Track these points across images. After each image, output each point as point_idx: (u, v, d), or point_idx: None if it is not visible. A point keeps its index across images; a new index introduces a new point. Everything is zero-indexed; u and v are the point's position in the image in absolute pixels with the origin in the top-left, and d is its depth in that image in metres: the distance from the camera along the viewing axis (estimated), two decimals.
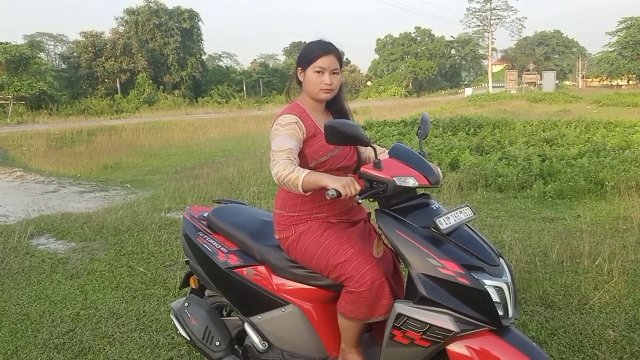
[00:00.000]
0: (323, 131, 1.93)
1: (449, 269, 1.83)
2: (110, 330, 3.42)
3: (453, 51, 76.48)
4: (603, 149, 8.60)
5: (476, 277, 1.81)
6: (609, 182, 6.47)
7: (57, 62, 53.29)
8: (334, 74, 2.18)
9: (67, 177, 10.64)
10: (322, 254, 2.09)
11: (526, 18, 71.22)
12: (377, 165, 1.96)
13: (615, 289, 3.65)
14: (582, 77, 74.05)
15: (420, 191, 2.11)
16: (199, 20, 47.39)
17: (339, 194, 1.85)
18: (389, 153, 2.10)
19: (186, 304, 2.65)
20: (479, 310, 1.81)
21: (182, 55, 45.60)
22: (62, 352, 3.18)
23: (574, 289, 3.72)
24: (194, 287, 2.79)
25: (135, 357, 3.09)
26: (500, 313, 1.81)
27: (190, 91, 46.00)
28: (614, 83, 68.42)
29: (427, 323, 1.84)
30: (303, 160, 2.15)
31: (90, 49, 42.48)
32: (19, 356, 3.16)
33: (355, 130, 1.87)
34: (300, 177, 1.92)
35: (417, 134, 2.41)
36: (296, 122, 2.12)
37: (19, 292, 4.13)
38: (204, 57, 51.30)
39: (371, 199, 2.04)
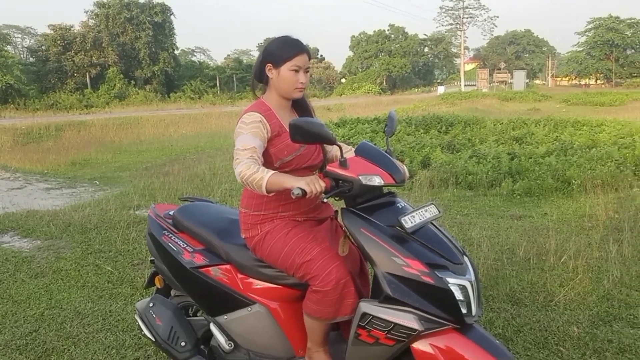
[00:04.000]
0: (288, 130, 1.92)
1: (414, 268, 1.84)
2: (76, 331, 3.35)
3: (426, 49, 77.10)
4: (570, 147, 8.77)
5: (440, 276, 1.83)
6: (575, 180, 6.61)
7: (24, 56, 52.03)
8: (305, 72, 2.18)
9: (34, 173, 10.38)
10: (287, 252, 2.07)
11: (498, 17, 72.62)
12: (343, 163, 1.95)
13: (580, 286, 3.72)
14: (552, 76, 75.52)
15: (386, 190, 2.11)
16: (171, 14, 46.72)
17: (304, 192, 1.84)
18: (355, 151, 2.09)
19: (151, 304, 2.60)
20: (443, 309, 1.82)
21: (154, 49, 44.91)
22: (24, 354, 3.10)
23: (540, 286, 3.78)
24: (159, 286, 2.74)
25: (101, 357, 3.03)
26: (464, 311, 1.83)
27: (162, 86, 45.34)
28: (583, 82, 69.95)
29: (392, 322, 1.84)
30: (268, 160, 2.13)
31: (59, 42, 41.49)
32: None
33: (320, 129, 1.86)
34: (264, 177, 1.90)
35: (384, 132, 2.41)
36: (260, 121, 2.10)
37: None
38: (176, 52, 50.63)
39: (337, 198, 2.04)
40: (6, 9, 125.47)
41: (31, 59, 45.76)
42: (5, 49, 39.65)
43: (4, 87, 32.86)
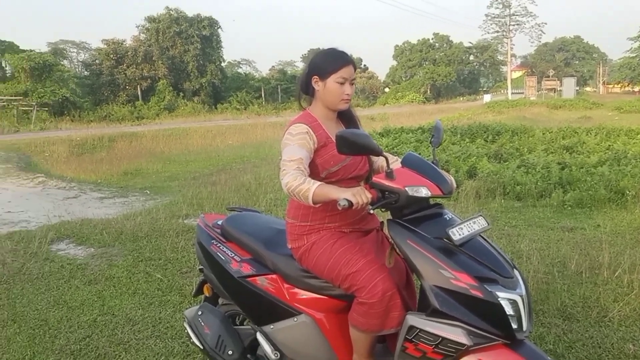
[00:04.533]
0: (334, 141, 1.93)
1: (462, 281, 1.82)
2: (127, 337, 3.45)
3: (471, 57, 76.02)
4: (624, 157, 8.44)
5: (489, 290, 1.79)
6: (629, 191, 6.36)
7: (79, 69, 54.18)
8: (351, 84, 2.20)
9: (88, 183, 10.78)
10: (333, 263, 2.08)
11: (546, 24, 70.49)
12: (389, 175, 1.95)
13: (636, 302, 3.57)
14: (603, 83, 73.10)
15: (433, 201, 2.10)
16: (218, 28, 47.83)
17: (350, 203, 1.84)
18: (401, 162, 2.09)
19: (199, 313, 2.66)
20: (492, 324, 1.79)
21: (201, 62, 46.02)
22: (78, 358, 3.21)
23: (593, 301, 3.65)
24: (207, 295, 2.80)
25: None
26: (514, 326, 1.79)
27: (209, 98, 46.35)
28: (636, 89, 67.29)
29: (440, 336, 1.82)
30: (314, 170, 2.15)
31: (112, 56, 43.10)
32: None
33: (367, 140, 1.87)
34: (311, 189, 1.92)
35: (430, 143, 2.39)
36: (307, 132, 2.12)
37: (38, 297, 4.18)
38: (223, 64, 51.72)
39: (383, 209, 2.03)
40: (62, 25, 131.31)
41: (85, 72, 47.66)
42: (62, 63, 41.51)
43: (60, 100, 34.32)
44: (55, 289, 4.36)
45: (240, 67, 71.20)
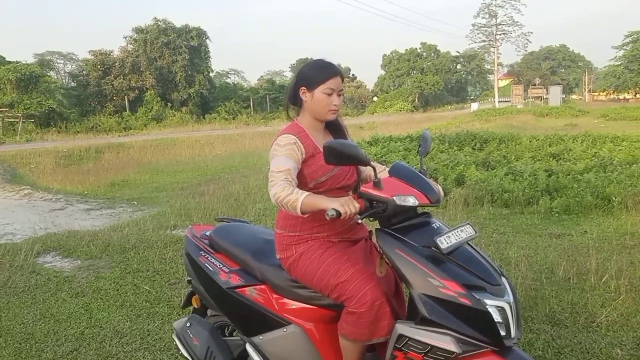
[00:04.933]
0: (322, 151, 1.94)
1: (450, 289, 1.82)
2: (114, 350, 3.42)
3: (459, 66, 76.73)
4: (610, 163, 8.55)
5: (478, 297, 1.80)
6: (615, 198, 6.42)
7: (66, 80, 53.97)
8: (339, 94, 2.21)
9: (75, 194, 10.69)
10: (322, 273, 2.08)
11: (532, 33, 70.98)
12: (377, 184, 1.96)
13: (623, 307, 3.61)
14: (589, 91, 73.96)
15: (421, 210, 2.11)
16: (206, 38, 47.81)
17: (338, 213, 1.85)
18: (389, 172, 2.10)
19: (188, 324, 2.64)
20: (480, 331, 1.80)
21: (189, 72, 45.95)
22: None
23: (581, 307, 3.68)
24: (196, 306, 2.78)
25: None
26: (503, 333, 1.80)
27: (197, 108, 46.26)
28: (621, 97, 68.18)
29: (429, 344, 1.83)
30: (302, 181, 2.15)
31: (99, 67, 42.90)
32: None
33: (354, 151, 1.87)
34: (299, 199, 1.92)
35: (417, 152, 2.41)
36: (295, 143, 2.13)
37: (24, 310, 4.13)
38: (211, 74, 51.68)
39: (372, 219, 2.04)
40: (49, 36, 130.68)
41: (72, 83, 47.43)
42: (48, 74, 41.24)
43: (46, 111, 34.04)
44: (42, 302, 4.31)
45: (229, 77, 71.41)
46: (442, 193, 2.10)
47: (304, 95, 2.21)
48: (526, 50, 68.93)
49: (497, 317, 1.80)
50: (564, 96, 58.24)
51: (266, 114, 48.08)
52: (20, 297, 4.42)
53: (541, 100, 54.50)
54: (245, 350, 2.45)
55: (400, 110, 56.84)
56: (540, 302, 3.78)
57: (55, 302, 4.30)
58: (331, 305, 2.14)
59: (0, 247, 5.87)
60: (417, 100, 64.68)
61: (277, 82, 60.77)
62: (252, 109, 49.31)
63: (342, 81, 2.23)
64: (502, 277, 1.94)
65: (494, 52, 62.97)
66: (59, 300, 4.34)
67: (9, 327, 3.83)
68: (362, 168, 2.38)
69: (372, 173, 2.00)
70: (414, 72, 69.68)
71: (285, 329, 2.26)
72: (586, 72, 74.72)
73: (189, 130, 32.02)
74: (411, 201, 1.94)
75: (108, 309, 4.11)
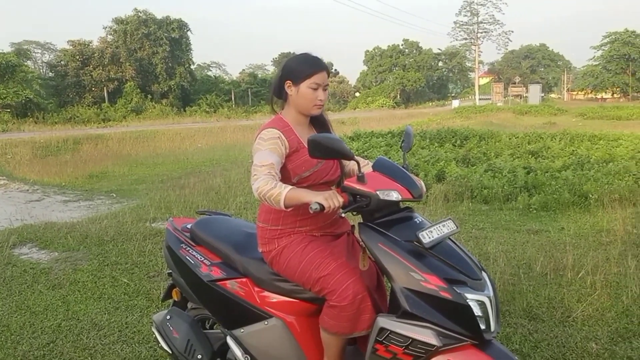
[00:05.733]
0: (306, 146, 1.93)
1: (432, 283, 1.84)
2: (92, 342, 3.38)
3: (440, 63, 77.17)
4: (587, 161, 8.70)
5: (458, 291, 1.82)
6: (592, 195, 6.54)
7: (44, 70, 52.81)
8: (324, 89, 2.20)
9: (52, 186, 10.53)
10: (304, 267, 2.08)
11: (512, 31, 72.15)
12: (361, 179, 1.96)
13: (598, 302, 3.67)
14: (568, 90, 75.00)
15: (404, 205, 2.12)
16: (187, 30, 47.31)
17: (322, 207, 1.85)
18: (372, 167, 2.10)
19: (168, 317, 2.62)
20: (461, 325, 1.82)
21: (170, 64, 45.44)
22: None
23: (558, 302, 3.74)
24: (176, 299, 2.76)
25: None
26: (483, 327, 1.82)
27: (178, 100, 45.80)
28: (599, 96, 69.25)
29: (410, 337, 1.84)
30: (285, 175, 2.15)
31: (78, 57, 42.17)
32: None
33: (339, 145, 1.87)
34: (282, 193, 1.92)
35: (400, 147, 2.42)
36: (279, 137, 2.12)
37: None
38: (192, 67, 51.19)
39: (354, 213, 2.05)
40: (26, 25, 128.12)
41: (50, 73, 46.51)
42: (25, 64, 40.32)
43: (23, 101, 33.41)
44: (18, 293, 4.24)
45: (210, 70, 70.85)
46: (424, 188, 2.11)
47: (290, 89, 2.20)
48: (507, 49, 69.83)
49: (477, 311, 1.82)
50: (543, 95, 59.00)
51: (248, 107, 47.84)
52: None
53: (521, 98, 55.19)
54: (225, 344, 2.44)
55: (382, 106, 57.04)
56: (518, 296, 3.83)
57: (31, 294, 4.24)
58: (313, 298, 2.15)
59: None
60: (398, 97, 64.93)
61: (259, 75, 60.50)
62: (233, 102, 48.98)
63: (328, 76, 2.22)
64: (482, 271, 1.96)
65: (475, 50, 63.65)
66: (36, 292, 4.27)
67: None
68: (346, 163, 2.38)
69: (356, 167, 2.01)
70: (396, 68, 69.93)
71: (266, 322, 2.26)
72: (565, 72, 75.74)
73: (170, 123, 31.72)
74: (394, 196, 1.95)
75: (86, 302, 4.06)
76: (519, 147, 11.90)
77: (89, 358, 3.19)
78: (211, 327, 2.75)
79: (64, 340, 3.42)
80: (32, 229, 6.11)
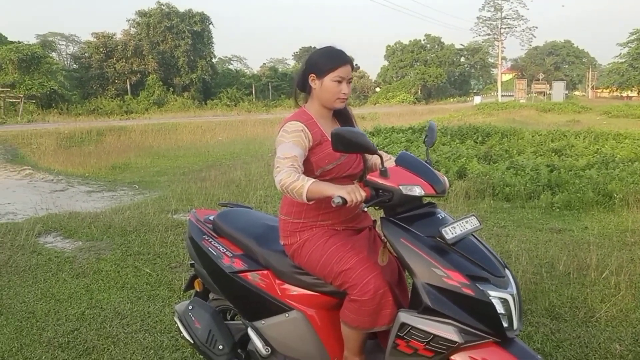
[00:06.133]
0: (330, 139, 1.93)
1: (454, 280, 1.83)
2: (115, 331, 3.44)
3: (462, 59, 76.32)
4: (612, 160, 8.55)
5: (481, 288, 1.81)
6: (617, 194, 6.43)
7: (68, 62, 53.62)
8: (348, 83, 2.19)
9: (76, 176, 10.70)
10: (326, 261, 2.09)
11: (536, 27, 71.11)
12: (384, 173, 1.96)
13: (622, 303, 3.62)
14: (592, 87, 73.72)
15: (426, 200, 2.11)
16: (209, 24, 47.50)
17: (344, 201, 1.85)
18: (395, 161, 2.09)
19: (190, 307, 2.65)
20: (483, 322, 1.81)
21: (192, 57, 45.71)
22: (66, 351, 3.19)
23: (581, 302, 3.69)
24: (198, 290, 2.79)
25: (139, 358, 3.10)
26: (505, 325, 1.81)
27: (199, 94, 46.07)
28: (624, 94, 67.93)
29: (431, 333, 1.84)
30: (308, 168, 2.15)
31: (101, 49, 42.66)
32: (24, 354, 3.17)
33: (362, 139, 1.87)
34: (305, 186, 1.92)
35: (424, 142, 2.41)
36: (302, 130, 2.12)
37: (25, 289, 4.15)
38: (214, 60, 51.42)
39: (377, 207, 2.04)
40: (52, 17, 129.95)
41: (74, 65, 47.17)
42: (50, 55, 40.93)
43: (48, 92, 33.89)
44: (43, 281, 4.33)
45: (231, 64, 70.98)
46: (447, 184, 2.10)
47: (313, 82, 2.20)
48: (530, 45, 68.69)
49: (500, 309, 1.80)
50: (567, 92, 58.11)
51: (268, 101, 47.94)
52: (21, 276, 4.44)
53: (544, 95, 54.40)
54: (246, 335, 2.46)
55: (403, 102, 56.66)
56: (540, 295, 3.79)
57: (56, 282, 4.32)
58: (334, 292, 2.15)
59: (1, 226, 5.89)
60: (419, 92, 64.43)
61: (280, 70, 60.57)
62: (254, 96, 49.11)
63: (352, 69, 2.22)
64: (505, 269, 1.95)
65: (498, 46, 62.75)
66: (60, 280, 4.35)
67: (9, 306, 3.85)
68: (369, 157, 2.38)
69: (379, 162, 2.00)
70: (417, 63, 69.37)
71: (287, 315, 2.27)
72: (590, 69, 74.40)
73: (191, 116, 31.91)
74: (417, 191, 1.94)
75: (109, 291, 4.13)
76: (542, 144, 11.75)
77: (112, 346, 3.24)
78: (232, 318, 2.78)
79: (88, 328, 3.48)
80: (57, 218, 6.22)
